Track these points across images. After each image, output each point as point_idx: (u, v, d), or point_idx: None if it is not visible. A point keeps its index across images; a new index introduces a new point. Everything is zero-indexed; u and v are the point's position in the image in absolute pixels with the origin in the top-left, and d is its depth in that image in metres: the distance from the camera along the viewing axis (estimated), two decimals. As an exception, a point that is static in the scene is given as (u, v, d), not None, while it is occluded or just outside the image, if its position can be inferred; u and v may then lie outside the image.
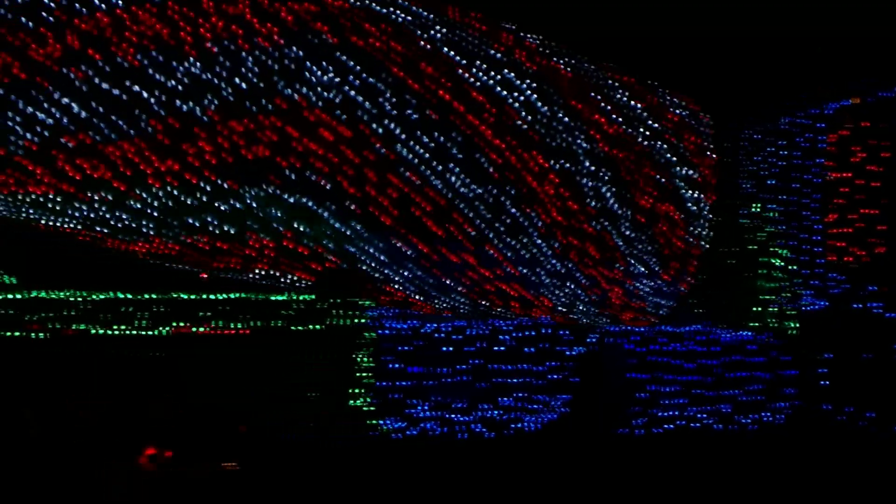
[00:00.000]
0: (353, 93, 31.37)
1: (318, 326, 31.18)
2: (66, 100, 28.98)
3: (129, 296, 30.66)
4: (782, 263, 40.74)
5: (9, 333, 29.62)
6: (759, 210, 41.42)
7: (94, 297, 30.51)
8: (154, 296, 30.76)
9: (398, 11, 33.74)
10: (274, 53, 30.68)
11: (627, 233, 35.31)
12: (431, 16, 34.32)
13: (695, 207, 36.64)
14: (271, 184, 30.81)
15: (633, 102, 36.68)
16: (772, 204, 41.58)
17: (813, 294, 41.04)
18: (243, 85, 30.20)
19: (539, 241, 34.07)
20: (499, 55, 34.54)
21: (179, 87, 29.70)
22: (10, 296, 30.11)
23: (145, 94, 29.42)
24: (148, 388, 30.10)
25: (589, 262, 35.11)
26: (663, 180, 35.86)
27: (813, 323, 39.84)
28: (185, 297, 30.92)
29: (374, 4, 33.34)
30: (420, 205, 32.32)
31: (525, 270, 34.51)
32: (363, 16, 32.67)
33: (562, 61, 36.00)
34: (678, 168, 36.57)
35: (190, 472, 26.22)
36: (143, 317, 30.35)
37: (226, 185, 30.65)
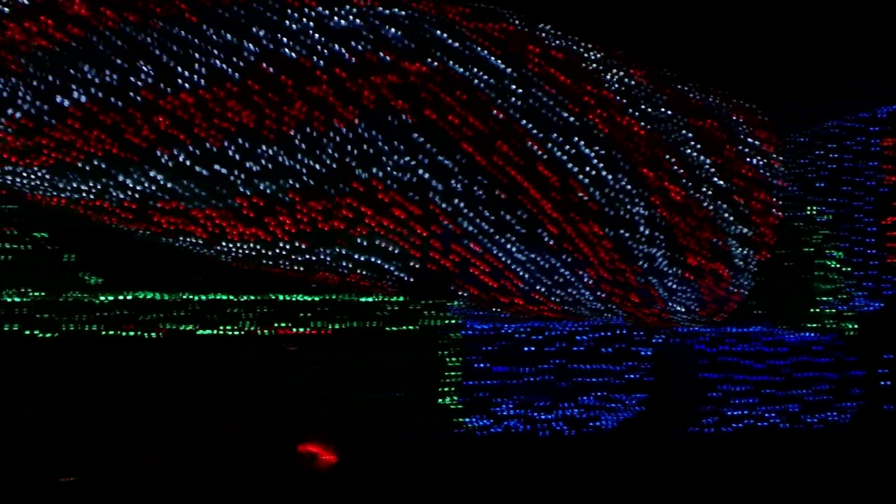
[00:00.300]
0: (426, 174, 32.53)
1: (411, 327, 32.29)
2: (160, 176, 31.06)
3: (232, 297, 31.55)
4: (837, 265, 42.37)
5: (122, 334, 31.23)
6: (812, 213, 42.26)
7: (197, 297, 31.57)
8: (251, 297, 31.63)
9: (480, 72, 33.29)
10: (352, 138, 31.57)
11: (673, 286, 37.34)
12: (512, 73, 33.77)
13: (742, 264, 38.04)
14: (342, 247, 33.33)
15: (705, 158, 36.55)
16: (822, 207, 42.30)
17: (866, 295, 42.98)
18: (322, 170, 31.65)
19: (585, 293, 36.57)
20: (574, 120, 34.33)
21: (260, 170, 31.36)
22: (112, 297, 32.06)
23: (231, 177, 31.25)
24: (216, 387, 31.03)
25: (629, 305, 37.70)
26: (719, 243, 36.92)
27: (873, 324, 41.25)
28: (280, 298, 31.81)
29: (456, 65, 32.93)
30: (478, 266, 34.71)
31: (567, 308, 37.40)
32: (441, 83, 32.54)
33: (638, 114, 35.49)
34: (736, 228, 37.36)
35: (190, 472, 26.46)
36: (246, 317, 31.48)
37: (302, 247, 33.27)
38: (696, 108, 37.69)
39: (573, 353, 34.54)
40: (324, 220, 32.66)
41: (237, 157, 31.23)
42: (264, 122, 30.84)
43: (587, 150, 34.25)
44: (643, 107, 36.11)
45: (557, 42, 35.68)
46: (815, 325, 41.12)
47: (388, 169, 32.13)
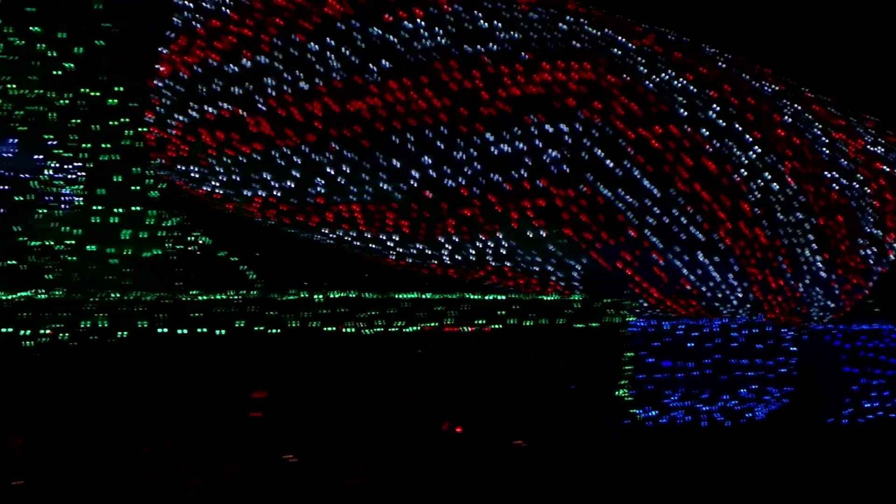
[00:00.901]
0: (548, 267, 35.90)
1: (594, 324, 34.90)
2: (327, 240, 35.51)
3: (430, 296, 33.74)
4: None
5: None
6: None
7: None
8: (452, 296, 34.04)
9: (626, 194, 34.15)
10: (492, 246, 34.57)
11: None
12: (656, 193, 34.38)
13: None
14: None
15: (818, 257, 37.83)
16: None
17: None
18: (461, 261, 35.34)
19: None
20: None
21: (410, 253, 35.34)
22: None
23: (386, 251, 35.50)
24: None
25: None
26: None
27: None
28: (475, 297, 34.17)
29: (603, 187, 33.83)
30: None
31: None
32: (586, 207, 34.02)
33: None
34: (818, 313, 39.75)
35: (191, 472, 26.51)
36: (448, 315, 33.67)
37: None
38: (829, 205, 37.81)
39: (730, 348, 37.50)
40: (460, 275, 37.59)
41: (393, 245, 35.34)
42: (417, 234, 34.24)
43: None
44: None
45: (712, 150, 35.17)
46: None
47: (518, 259, 35.78)
